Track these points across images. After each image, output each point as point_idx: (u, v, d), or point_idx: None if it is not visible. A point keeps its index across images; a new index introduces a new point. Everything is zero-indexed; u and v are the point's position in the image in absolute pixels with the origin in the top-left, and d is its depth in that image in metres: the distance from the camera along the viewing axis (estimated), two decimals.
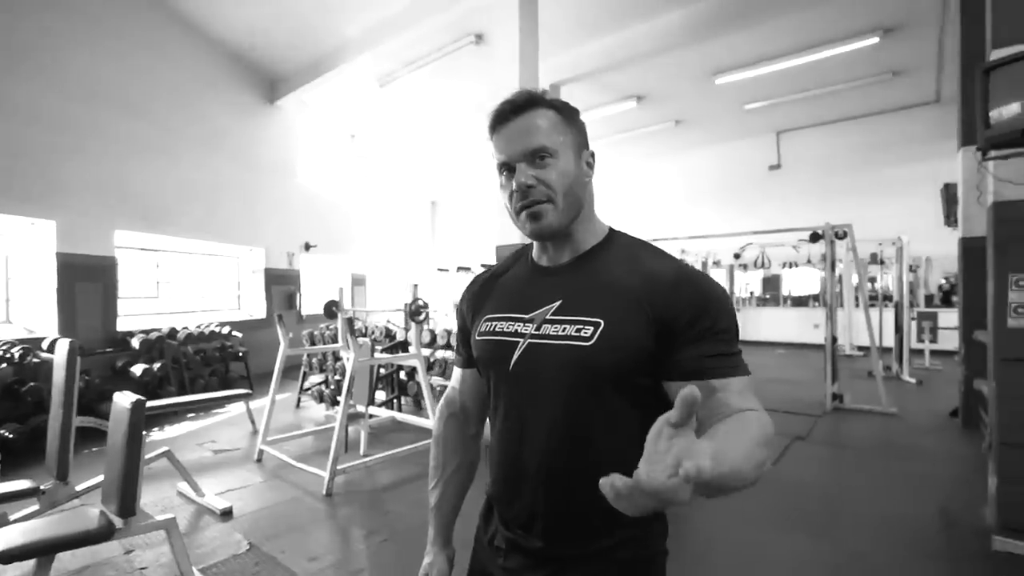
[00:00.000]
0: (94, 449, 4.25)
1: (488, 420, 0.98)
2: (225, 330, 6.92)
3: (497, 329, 0.89)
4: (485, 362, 0.92)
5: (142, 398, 2.12)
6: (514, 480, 0.87)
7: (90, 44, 6.03)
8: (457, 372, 1.05)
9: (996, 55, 2.65)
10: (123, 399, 2.17)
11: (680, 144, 11.33)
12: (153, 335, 6.06)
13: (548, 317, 0.83)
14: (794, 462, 3.83)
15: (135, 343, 5.89)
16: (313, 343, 5.89)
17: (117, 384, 5.28)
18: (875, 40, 6.87)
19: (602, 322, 0.78)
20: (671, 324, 0.75)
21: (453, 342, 5.01)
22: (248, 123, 8.28)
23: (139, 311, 7.03)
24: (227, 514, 3.04)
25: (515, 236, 5.00)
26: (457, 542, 1.06)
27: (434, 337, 5.16)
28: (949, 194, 5.21)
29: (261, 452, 4.02)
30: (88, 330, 5.82)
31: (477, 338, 0.93)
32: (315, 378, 6.14)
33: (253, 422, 4.93)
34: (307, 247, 9.40)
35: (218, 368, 6.63)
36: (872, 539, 2.73)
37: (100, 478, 2.76)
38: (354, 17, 6.84)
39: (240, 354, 6.88)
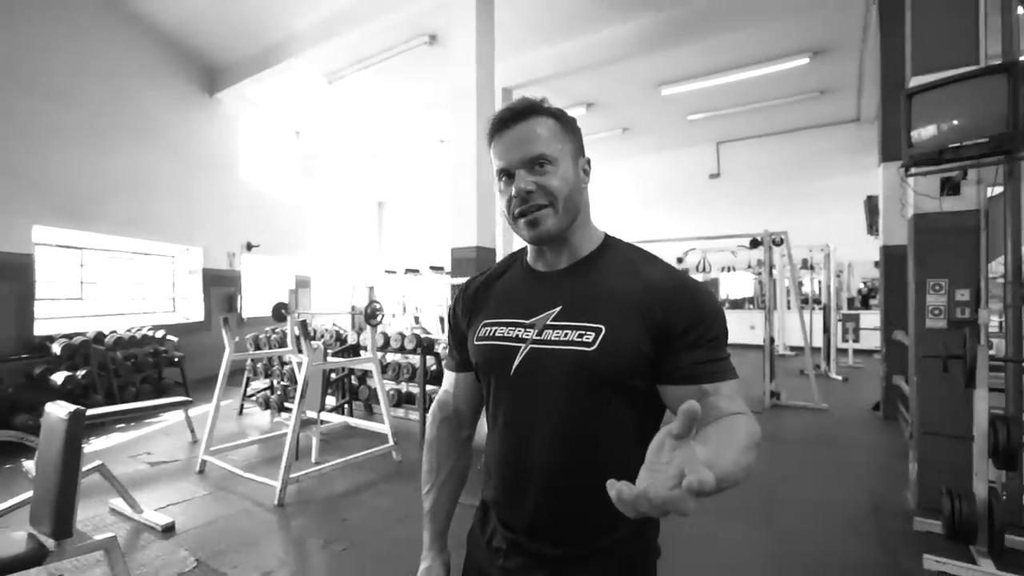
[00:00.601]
0: (7, 466, 3.89)
1: (486, 424, 0.99)
2: (159, 334, 6.50)
3: (497, 334, 0.90)
4: (485, 367, 0.93)
5: (81, 408, 1.97)
6: (516, 482, 0.88)
7: (9, 25, 5.52)
8: (450, 376, 1.05)
9: (915, 81, 2.92)
10: (58, 410, 2.01)
11: (630, 150, 11.70)
12: (77, 340, 5.60)
13: (549, 323, 0.85)
14: None
15: (55, 348, 5.42)
16: (258, 347, 5.64)
17: (34, 393, 4.86)
18: (805, 61, 7.38)
19: (603, 328, 0.81)
20: (668, 331, 0.79)
21: (407, 345, 4.94)
22: (186, 115, 7.83)
23: (60, 314, 6.48)
24: (169, 530, 2.87)
25: (472, 239, 5.01)
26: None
27: (387, 340, 5.07)
28: (872, 205, 5.66)
29: (204, 463, 3.80)
30: None
31: (476, 343, 0.93)
32: (259, 384, 5.88)
33: (193, 431, 4.66)
34: (249, 247, 8.99)
35: (151, 374, 6.22)
36: (808, 523, 2.93)
37: (22, 497, 2.55)
38: (303, 10, 6.62)
39: (176, 359, 6.47)
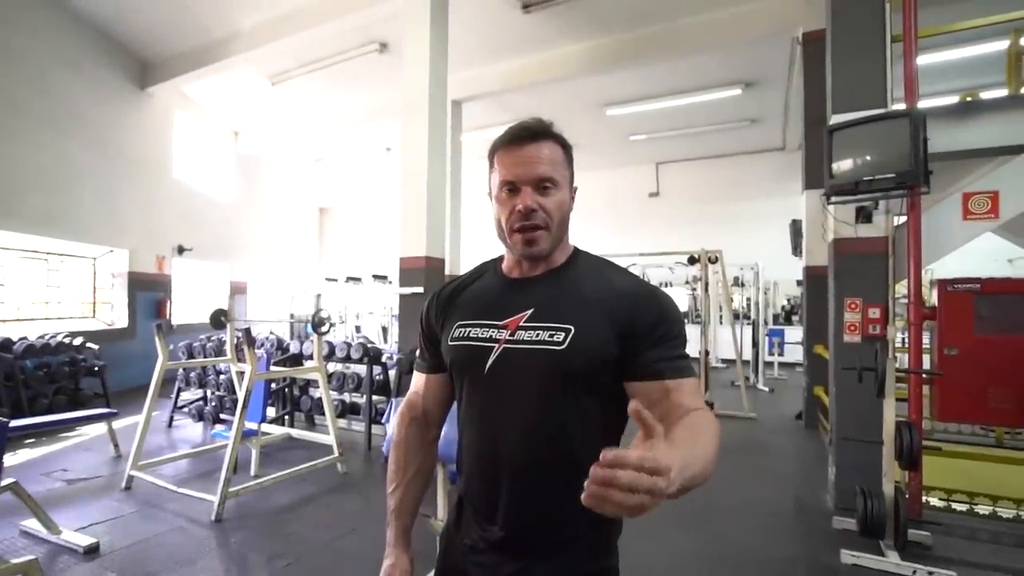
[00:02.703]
0: None
1: (458, 422, 1.03)
2: (76, 341, 6.00)
3: (471, 335, 0.95)
4: (459, 366, 0.97)
5: (4, 420, 1.82)
6: (489, 476, 0.93)
7: None
8: (420, 377, 1.09)
9: (835, 119, 3.24)
10: None
11: (575, 167, 11.99)
12: None
13: (522, 324, 0.92)
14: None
15: None
16: (192, 356, 5.35)
17: None
18: (738, 92, 7.94)
19: (573, 328, 0.88)
20: (634, 330, 0.88)
21: (353, 354, 4.84)
22: (114, 109, 7.35)
23: None
24: (93, 551, 2.66)
25: (421, 249, 5.00)
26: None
27: (332, 349, 4.94)
28: (796, 229, 6.14)
29: (131, 478, 3.55)
30: None
31: (450, 343, 0.98)
32: (190, 395, 5.56)
33: (116, 445, 4.33)
34: (180, 250, 8.49)
35: (66, 385, 5.72)
36: (739, 524, 3.14)
37: None
38: (249, 9, 6.42)
39: (95, 368, 6.00)
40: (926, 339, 3.48)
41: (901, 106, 3.05)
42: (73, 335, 6.09)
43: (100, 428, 4.54)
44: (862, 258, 3.26)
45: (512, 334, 0.91)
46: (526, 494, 0.90)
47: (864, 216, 3.26)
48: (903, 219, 3.15)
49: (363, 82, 7.93)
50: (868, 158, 2.98)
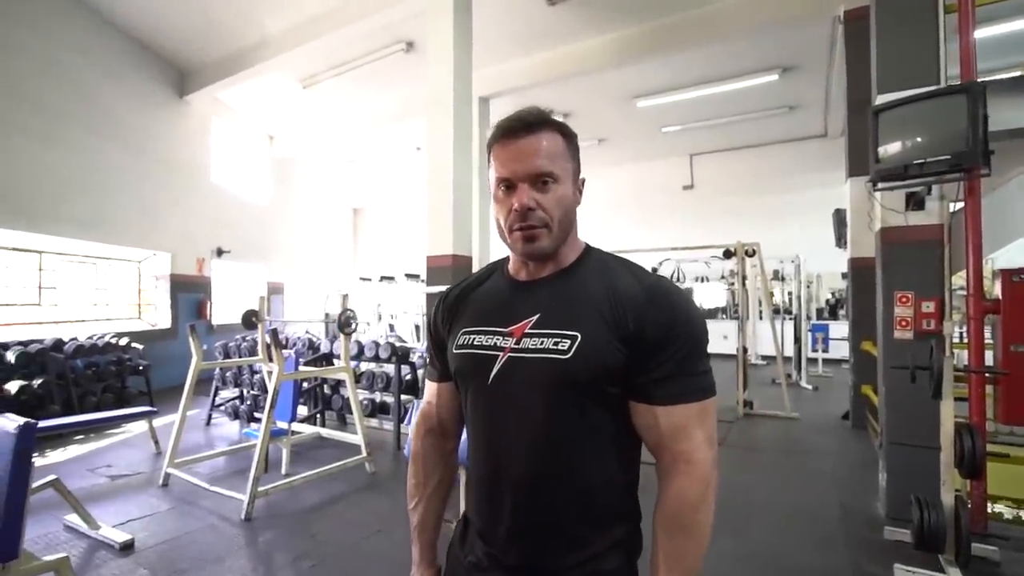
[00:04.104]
0: None
1: (467, 434, 0.97)
2: (123, 342, 6.25)
3: (476, 343, 0.88)
4: (463, 375, 0.91)
5: (31, 421, 1.86)
6: (493, 493, 0.86)
7: None
8: (432, 386, 1.03)
9: (881, 99, 3.01)
10: (6, 423, 1.90)
11: (605, 161, 11.80)
12: (33, 347, 5.35)
13: (527, 331, 0.84)
14: None
15: (10, 356, 5.16)
16: (228, 355, 5.48)
17: None
18: (775, 77, 7.60)
19: (579, 335, 0.80)
20: (637, 342, 0.79)
21: (381, 354, 4.86)
22: (155, 117, 7.62)
23: (16, 320, 6.19)
24: (128, 547, 2.73)
25: (447, 248, 4.97)
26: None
27: (361, 349, 4.97)
28: (840, 219, 5.82)
29: (167, 476, 3.65)
30: None
31: (455, 351, 0.92)
32: (228, 393, 5.71)
33: (157, 442, 4.48)
34: (219, 253, 8.76)
35: (113, 384, 5.97)
36: (780, 532, 2.96)
37: None
38: (277, 14, 6.54)
39: (140, 368, 6.24)
40: (987, 334, 3.21)
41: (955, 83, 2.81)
42: (119, 335, 6.35)
43: (143, 425, 4.69)
44: (913, 248, 3.03)
45: (518, 342, 0.84)
46: (531, 513, 0.83)
47: (915, 203, 3.03)
48: (959, 205, 2.91)
49: (391, 82, 7.97)
50: (919, 139, 2.74)
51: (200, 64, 7.80)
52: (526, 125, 0.83)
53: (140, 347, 6.44)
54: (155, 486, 3.64)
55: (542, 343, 0.82)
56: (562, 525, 0.82)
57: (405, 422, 4.59)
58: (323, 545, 2.81)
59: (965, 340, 3.00)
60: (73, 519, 2.92)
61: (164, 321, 7.80)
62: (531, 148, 0.82)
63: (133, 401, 5.95)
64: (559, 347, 0.80)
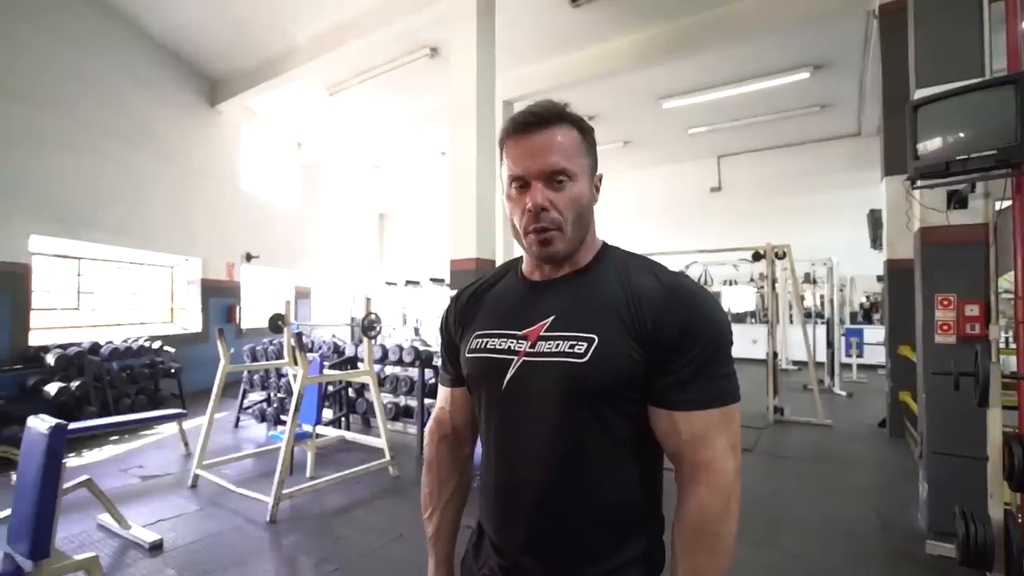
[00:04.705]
0: None
1: (480, 440, 0.94)
2: (156, 345, 6.43)
3: (489, 346, 0.85)
4: (477, 380, 0.88)
5: (62, 422, 1.90)
6: (508, 503, 0.83)
7: (3, 33, 5.55)
8: (445, 391, 1.00)
9: (920, 94, 2.88)
10: (39, 423, 1.95)
11: (631, 163, 11.68)
12: (72, 350, 5.54)
13: (542, 333, 0.81)
14: (742, 474, 3.94)
15: (50, 359, 5.35)
16: (255, 359, 5.58)
17: (27, 405, 4.78)
18: (805, 75, 7.39)
19: (596, 338, 0.76)
20: (656, 343, 0.75)
21: (405, 358, 4.87)
22: (186, 125, 7.85)
23: (56, 324, 6.44)
24: (157, 548, 2.78)
25: (471, 251, 4.97)
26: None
27: (385, 353, 5.00)
28: (875, 219, 5.62)
29: (196, 477, 3.72)
30: None
31: (468, 355, 0.89)
32: (256, 396, 5.81)
33: (187, 444, 4.58)
34: (248, 258, 8.96)
35: (147, 386, 6.15)
36: (814, 543, 2.84)
37: (2, 514, 2.47)
38: (304, 23, 6.67)
39: (172, 371, 6.41)
40: None
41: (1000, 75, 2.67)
42: (153, 339, 6.54)
43: (174, 427, 4.81)
44: (956, 248, 2.88)
45: (533, 345, 0.80)
46: (547, 525, 0.79)
47: (957, 201, 2.88)
48: (1006, 203, 2.76)
49: (416, 88, 8.04)
50: (961, 135, 2.61)
51: (230, 74, 8.01)
52: (540, 120, 0.79)
53: (172, 350, 6.62)
54: (184, 487, 3.71)
55: (557, 346, 0.78)
56: (579, 538, 0.79)
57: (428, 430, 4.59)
58: (346, 549, 2.81)
59: (1012, 345, 2.84)
60: (106, 519, 2.99)
61: (195, 325, 8.01)
62: (545, 144, 0.78)
63: (165, 403, 6.11)
64: (575, 350, 0.76)
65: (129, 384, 5.96)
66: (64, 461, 1.91)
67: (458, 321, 0.96)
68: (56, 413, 4.75)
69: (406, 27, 6.08)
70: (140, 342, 6.33)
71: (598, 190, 0.86)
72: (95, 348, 5.81)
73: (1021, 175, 2.60)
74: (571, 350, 0.77)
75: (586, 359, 0.75)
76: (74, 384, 5.25)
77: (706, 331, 0.75)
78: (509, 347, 0.83)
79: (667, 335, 0.74)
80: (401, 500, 3.53)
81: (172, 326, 8.00)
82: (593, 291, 0.82)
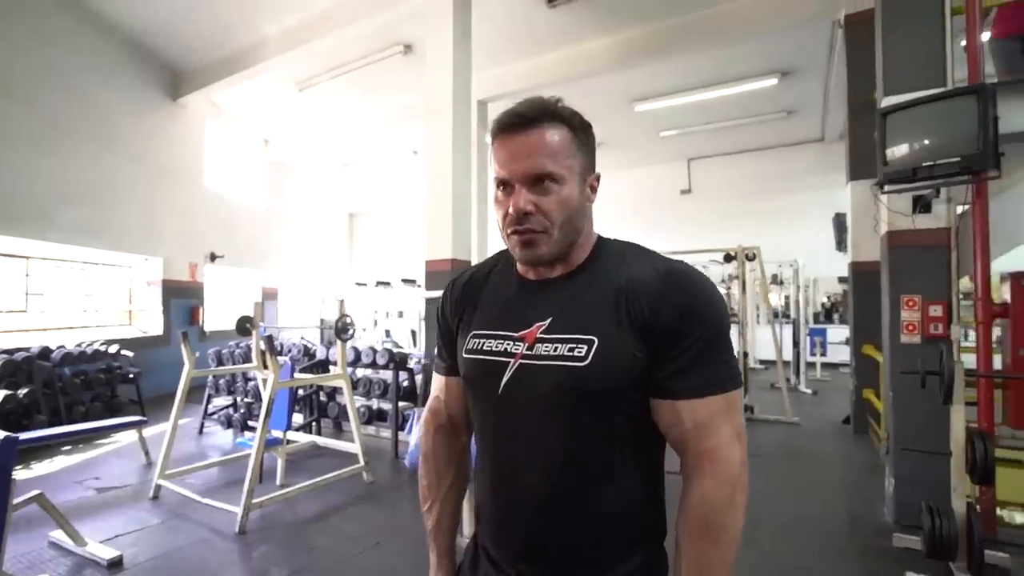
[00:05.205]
0: None
1: (475, 445, 0.90)
2: (112, 349, 6.13)
3: (485, 348, 0.83)
4: (472, 382, 0.86)
5: (13, 435, 1.77)
6: (506, 513, 0.81)
7: None
8: (440, 380, 0.97)
9: (887, 101, 2.97)
10: None
11: (603, 165, 10.91)
12: (19, 355, 5.22)
13: (540, 335, 0.78)
14: None
15: None
16: (221, 363, 5.38)
17: None
18: (774, 81, 7.59)
19: (596, 339, 0.74)
20: (654, 330, 0.73)
21: (379, 360, 4.77)
22: (148, 119, 7.52)
23: (1, 327, 6.06)
24: (116, 565, 2.62)
25: (447, 252, 4.91)
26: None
27: (358, 355, 4.89)
28: (840, 222, 5.80)
29: (158, 488, 3.54)
30: None
31: (464, 355, 0.86)
32: (221, 401, 5.60)
33: (147, 453, 4.36)
34: (213, 257, 8.65)
35: (102, 392, 5.84)
36: (786, 540, 2.89)
37: None
38: (274, 15, 6.47)
39: (131, 376, 6.11)
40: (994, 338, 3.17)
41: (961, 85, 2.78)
42: (109, 343, 6.23)
43: (133, 435, 4.58)
44: (921, 251, 2.99)
45: (530, 347, 0.78)
46: (548, 532, 0.76)
47: (922, 206, 2.99)
48: (965, 208, 2.87)
49: (389, 85, 7.91)
50: (927, 142, 2.70)
51: (194, 66, 7.71)
52: (524, 120, 0.75)
53: (130, 354, 6.32)
54: (145, 499, 3.53)
55: (556, 349, 0.75)
56: (580, 547, 0.76)
57: (406, 431, 4.51)
58: (320, 559, 2.72)
59: (971, 344, 2.95)
60: (59, 535, 2.81)
61: (155, 328, 7.68)
62: (530, 146, 0.75)
63: (123, 410, 5.83)
64: (575, 353, 0.74)
65: (83, 390, 5.65)
66: (14, 476, 1.77)
67: (455, 310, 0.93)
68: (2, 423, 4.47)
69: (380, 23, 5.96)
70: (95, 346, 6.02)
71: (594, 190, 0.83)
72: (45, 353, 5.49)
73: (981, 182, 2.71)
74: (571, 353, 0.74)
75: (587, 362, 0.73)
76: (22, 391, 4.93)
77: (707, 315, 0.74)
78: (505, 349, 0.80)
79: (666, 320, 0.73)
80: (376, 506, 3.45)
81: (130, 329, 7.65)
82: (590, 289, 0.79)
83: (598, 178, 0.83)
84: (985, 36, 2.85)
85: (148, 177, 7.46)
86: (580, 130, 0.79)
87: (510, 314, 0.83)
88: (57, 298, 6.88)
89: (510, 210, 0.76)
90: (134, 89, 7.29)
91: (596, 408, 0.74)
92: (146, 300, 7.80)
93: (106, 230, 6.85)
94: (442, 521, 0.95)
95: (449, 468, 0.96)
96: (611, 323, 0.74)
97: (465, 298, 0.91)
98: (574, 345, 0.74)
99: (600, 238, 0.86)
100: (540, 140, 0.75)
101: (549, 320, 0.78)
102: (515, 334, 0.80)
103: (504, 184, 0.78)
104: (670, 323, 0.72)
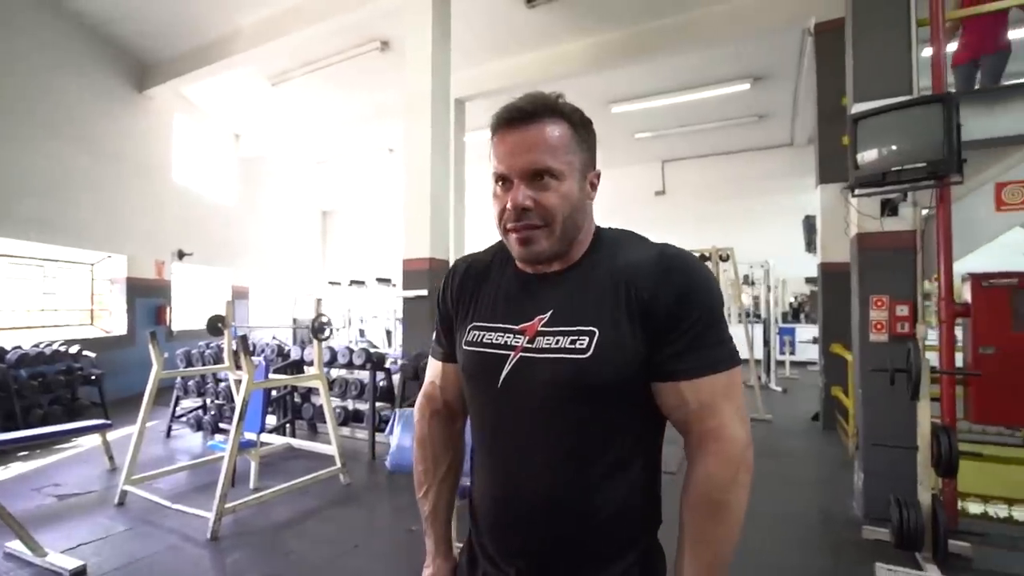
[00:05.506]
0: None
1: (472, 440, 0.89)
2: (73, 349, 5.87)
3: (485, 340, 0.82)
4: (470, 375, 0.85)
5: None
6: (506, 509, 0.80)
7: None
8: (436, 365, 0.96)
9: (857, 108, 3.07)
10: None
11: None
12: None
13: (541, 328, 0.78)
14: None
15: None
16: (190, 363, 5.21)
17: None
18: (746, 86, 7.77)
19: (597, 331, 0.74)
20: (652, 313, 0.74)
21: (355, 360, 4.70)
22: (111, 111, 7.23)
23: None
24: (79, 575, 2.52)
25: (424, 251, 4.87)
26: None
27: (333, 355, 4.80)
28: (810, 225, 5.96)
29: (124, 493, 3.40)
30: None
31: (464, 347, 0.85)
32: (189, 403, 5.42)
33: (111, 458, 4.19)
34: (181, 255, 8.38)
35: (62, 395, 5.59)
36: (762, 534, 2.94)
37: None
38: (246, 6, 6.31)
39: (93, 377, 5.87)
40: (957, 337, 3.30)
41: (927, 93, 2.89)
42: (69, 343, 5.97)
43: (96, 439, 4.40)
44: (888, 253, 3.10)
45: (531, 340, 0.77)
46: (547, 528, 0.76)
47: (890, 209, 3.10)
48: (929, 211, 2.99)
49: (365, 82, 7.80)
50: (895, 147, 2.80)
51: (162, 57, 7.45)
52: (525, 114, 0.75)
53: (93, 355, 6.07)
54: (110, 505, 3.38)
55: (557, 342, 0.75)
56: (580, 543, 0.76)
57: (387, 432, 4.44)
58: (297, 564, 2.66)
59: (934, 343, 3.08)
60: (15, 546, 2.67)
61: (119, 327, 7.39)
62: (529, 141, 0.74)
63: (85, 413, 5.59)
64: (577, 346, 0.73)
65: (41, 393, 5.40)
66: None
67: (456, 297, 0.92)
68: None
69: (356, 18, 5.88)
70: (55, 346, 5.76)
71: (595, 187, 0.83)
72: (0, 354, 5.23)
73: (945, 187, 2.83)
74: (572, 345, 0.74)
75: (589, 354, 0.73)
76: None
77: (703, 296, 0.74)
78: (506, 342, 0.80)
79: (664, 303, 0.73)
80: (354, 509, 3.39)
81: (92, 329, 7.35)
82: (590, 281, 0.79)
83: (599, 175, 0.83)
84: (951, 47, 2.97)
85: (111, 170, 7.18)
86: (581, 126, 0.79)
87: (510, 307, 0.83)
88: (13, 297, 6.56)
89: (508, 205, 0.75)
90: (98, 79, 7.00)
91: (597, 400, 0.74)
92: (109, 299, 7.51)
93: (65, 225, 6.57)
94: (439, 506, 0.94)
95: (446, 453, 0.95)
96: (611, 313, 0.74)
97: (465, 287, 0.91)
98: (576, 337, 0.74)
99: (598, 229, 0.86)
100: (540, 135, 0.74)
101: (550, 313, 0.78)
102: (515, 327, 0.80)
103: (503, 179, 0.77)
104: (668, 306, 0.73)
